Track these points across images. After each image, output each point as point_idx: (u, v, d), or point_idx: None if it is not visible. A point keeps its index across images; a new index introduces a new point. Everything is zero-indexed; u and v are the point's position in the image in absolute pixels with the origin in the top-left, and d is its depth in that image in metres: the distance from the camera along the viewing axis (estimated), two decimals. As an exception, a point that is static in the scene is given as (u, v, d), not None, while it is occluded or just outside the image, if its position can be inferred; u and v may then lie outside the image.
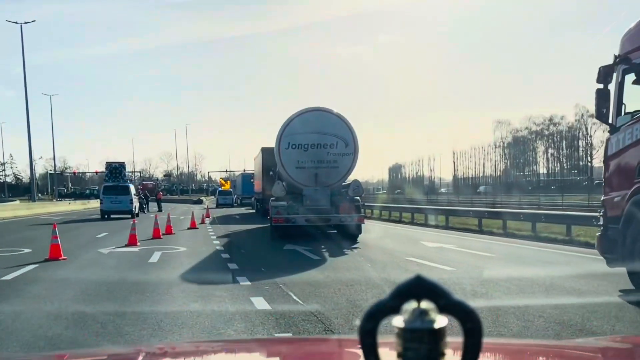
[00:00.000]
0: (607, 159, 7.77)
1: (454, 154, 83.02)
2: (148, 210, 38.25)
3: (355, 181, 15.16)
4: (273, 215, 14.47)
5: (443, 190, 72.25)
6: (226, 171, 76.41)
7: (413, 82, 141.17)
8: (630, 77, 7.50)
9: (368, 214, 26.48)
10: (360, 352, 0.73)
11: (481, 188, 70.52)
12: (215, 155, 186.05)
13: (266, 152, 25.41)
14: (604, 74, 7.38)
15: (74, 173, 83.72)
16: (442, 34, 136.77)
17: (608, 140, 7.74)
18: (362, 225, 14.89)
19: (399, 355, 0.71)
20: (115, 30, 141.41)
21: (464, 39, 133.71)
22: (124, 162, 33.18)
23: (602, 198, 8.01)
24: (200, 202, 57.10)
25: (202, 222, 23.47)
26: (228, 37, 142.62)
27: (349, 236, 14.45)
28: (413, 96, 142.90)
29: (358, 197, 14.98)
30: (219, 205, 48.60)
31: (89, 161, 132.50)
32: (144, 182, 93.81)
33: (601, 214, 7.82)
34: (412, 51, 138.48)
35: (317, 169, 14.68)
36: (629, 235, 6.95)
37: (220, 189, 56.77)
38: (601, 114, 7.46)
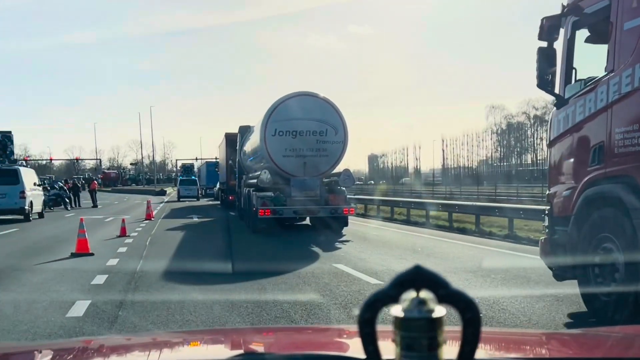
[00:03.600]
0: (552, 141, 6.44)
1: (443, 141, 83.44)
2: (78, 205, 31.84)
3: (346, 170, 15.25)
4: (259, 206, 14.40)
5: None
6: (196, 159, 75.77)
7: (391, 73, 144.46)
8: (582, 34, 6.15)
9: (366, 211, 23.46)
10: (359, 341, 0.77)
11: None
12: (187, 144, 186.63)
13: (230, 139, 24.84)
14: (549, 29, 5.97)
15: (25, 160, 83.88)
16: (417, 21, 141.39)
17: (554, 116, 6.38)
18: (349, 216, 15.21)
19: (397, 344, 0.75)
20: (85, 19, 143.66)
21: (442, 28, 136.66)
22: (9, 132, 23.86)
23: (547, 192, 6.67)
24: (163, 192, 54.14)
25: (122, 234, 14.22)
26: (198, 27, 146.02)
27: (336, 227, 14.69)
28: (391, 86, 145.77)
29: (344, 188, 15.18)
30: (181, 198, 42.23)
31: (50, 149, 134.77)
32: (106, 171, 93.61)
33: (546, 212, 6.52)
34: (386, 42, 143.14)
35: (306, 157, 14.69)
36: (580, 241, 5.66)
37: (182, 177, 48.47)
38: (545, 82, 6.01)
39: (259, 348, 1.85)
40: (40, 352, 1.82)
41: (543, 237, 6.58)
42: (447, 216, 17.29)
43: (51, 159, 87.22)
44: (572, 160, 6.05)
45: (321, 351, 1.67)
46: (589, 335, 2.01)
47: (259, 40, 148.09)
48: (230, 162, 25.12)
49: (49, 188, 29.89)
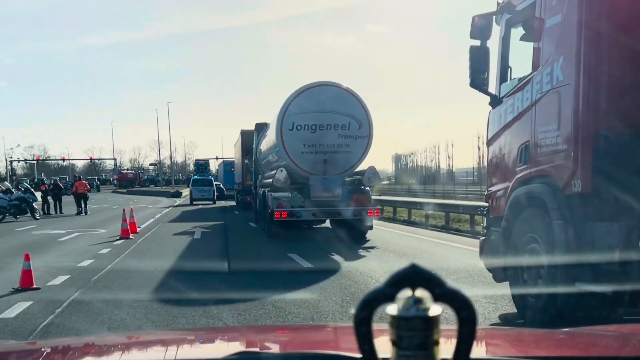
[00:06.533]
0: (489, 141, 6.62)
1: (479, 138, 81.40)
2: (59, 212, 26.92)
3: (371, 168, 14.09)
4: (275, 208, 13.44)
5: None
6: (217, 158, 74.93)
7: (410, 71, 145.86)
8: (517, 32, 6.14)
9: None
10: (354, 339, 0.79)
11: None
12: (208, 144, 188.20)
13: (246, 136, 24.27)
14: (481, 27, 5.98)
15: (37, 160, 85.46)
16: (436, 19, 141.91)
17: (490, 115, 6.49)
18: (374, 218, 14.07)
19: (393, 343, 0.77)
20: (104, 21, 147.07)
21: (462, 26, 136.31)
22: None
23: (486, 192, 6.83)
24: (178, 194, 51.93)
25: (24, 284, 7.71)
26: (217, 28, 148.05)
27: (360, 231, 13.72)
28: (411, 85, 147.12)
29: (369, 188, 14.10)
30: (194, 201, 37.37)
31: (69, 149, 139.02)
32: (123, 172, 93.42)
33: (484, 212, 6.71)
34: (405, 40, 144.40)
35: (326, 154, 13.63)
36: (510, 243, 5.73)
37: (195, 177, 43.38)
38: (478, 81, 6.04)
39: (256, 347, 1.84)
40: (40, 350, 1.84)
41: (482, 238, 6.75)
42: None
43: (64, 159, 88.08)
44: (504, 160, 6.21)
45: (317, 350, 1.66)
46: (585, 334, 2.02)
47: (278, 41, 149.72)
48: (246, 161, 24.31)
49: (13, 191, 24.96)
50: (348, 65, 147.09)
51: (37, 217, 23.68)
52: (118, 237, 14.68)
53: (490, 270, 6.39)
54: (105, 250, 12.25)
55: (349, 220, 13.71)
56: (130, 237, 14.82)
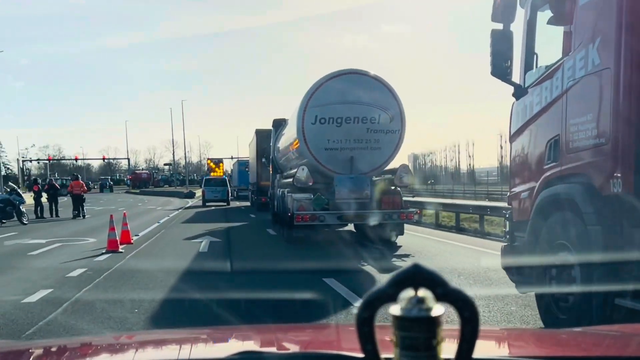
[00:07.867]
0: (512, 136, 6.06)
1: (501, 136, 79.38)
2: (55, 215, 24.40)
3: (404, 166, 12.76)
4: (295, 211, 12.19)
5: None
6: (232, 157, 73.72)
7: (426, 72, 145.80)
8: (544, 15, 5.53)
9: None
10: (357, 339, 0.78)
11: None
12: (224, 144, 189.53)
13: (261, 135, 24.26)
14: (504, 9, 5.44)
15: (49, 160, 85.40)
16: (447, 21, 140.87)
17: (514, 108, 5.95)
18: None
19: (395, 343, 0.76)
20: (118, 23, 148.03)
21: (478, 26, 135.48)
22: None
23: (508, 194, 6.34)
24: (191, 195, 50.71)
25: None
26: (233, 29, 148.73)
27: (389, 236, 12.44)
28: (425, 85, 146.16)
29: (400, 189, 12.81)
30: (206, 202, 35.49)
31: (84, 150, 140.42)
32: (137, 172, 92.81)
33: (507, 215, 6.26)
34: (420, 40, 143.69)
35: (353, 150, 12.39)
36: (537, 251, 5.25)
37: (207, 176, 42.28)
38: (501, 69, 5.46)
39: (259, 346, 1.82)
40: (40, 350, 1.84)
41: (504, 244, 6.23)
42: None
43: (76, 159, 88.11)
44: (530, 157, 5.69)
45: (320, 349, 1.64)
46: (587, 334, 2.02)
47: (293, 41, 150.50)
48: (263, 160, 23.33)
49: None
50: (363, 65, 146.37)
51: (25, 222, 21.02)
52: (104, 250, 11.90)
53: (513, 280, 5.83)
54: (77, 272, 9.13)
55: (381, 226, 12.38)
56: (120, 249, 11.97)
